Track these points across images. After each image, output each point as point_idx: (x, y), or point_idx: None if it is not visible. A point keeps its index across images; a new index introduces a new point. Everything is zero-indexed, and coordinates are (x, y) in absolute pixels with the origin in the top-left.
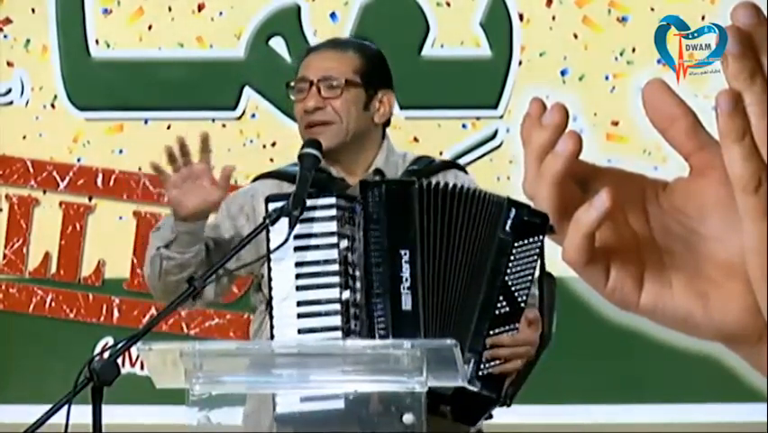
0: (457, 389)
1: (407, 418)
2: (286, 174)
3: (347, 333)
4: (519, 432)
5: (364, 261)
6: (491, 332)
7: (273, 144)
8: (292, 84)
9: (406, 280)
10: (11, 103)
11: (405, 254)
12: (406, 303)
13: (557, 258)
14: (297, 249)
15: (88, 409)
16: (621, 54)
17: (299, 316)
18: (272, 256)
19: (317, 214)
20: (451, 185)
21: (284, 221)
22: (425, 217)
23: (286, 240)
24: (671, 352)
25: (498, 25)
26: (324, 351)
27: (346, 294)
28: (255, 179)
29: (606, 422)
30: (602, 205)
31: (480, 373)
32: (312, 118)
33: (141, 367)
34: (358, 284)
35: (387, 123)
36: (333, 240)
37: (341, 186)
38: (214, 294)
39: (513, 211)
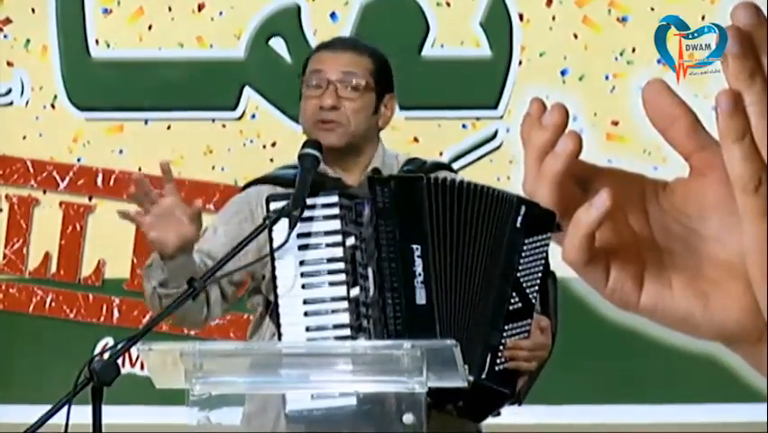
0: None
1: (407, 418)
2: (279, 178)
3: (358, 330)
4: (519, 432)
5: (376, 256)
6: (506, 327)
7: (273, 144)
8: (304, 76)
9: (419, 274)
10: (11, 103)
11: (417, 249)
12: (421, 297)
13: (557, 258)
14: (300, 248)
15: (88, 409)
16: (621, 54)
17: (306, 314)
18: (275, 256)
19: (320, 212)
20: (458, 181)
21: (284, 222)
22: (435, 213)
23: (286, 240)
24: (671, 352)
25: (498, 25)
26: (325, 351)
27: (355, 291)
28: (247, 186)
29: (606, 422)
30: (602, 205)
31: (496, 369)
32: (326, 115)
33: (141, 367)
34: (367, 281)
35: None
36: (338, 238)
37: (340, 185)
38: (222, 310)
39: (523, 208)
